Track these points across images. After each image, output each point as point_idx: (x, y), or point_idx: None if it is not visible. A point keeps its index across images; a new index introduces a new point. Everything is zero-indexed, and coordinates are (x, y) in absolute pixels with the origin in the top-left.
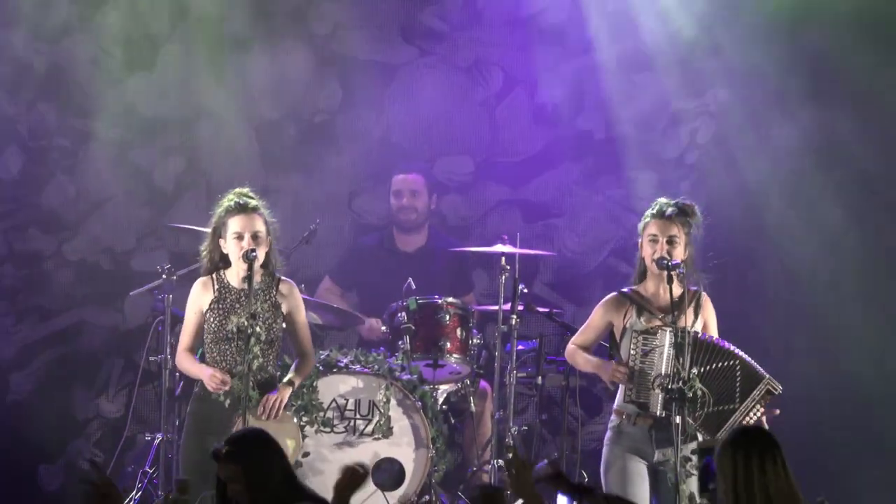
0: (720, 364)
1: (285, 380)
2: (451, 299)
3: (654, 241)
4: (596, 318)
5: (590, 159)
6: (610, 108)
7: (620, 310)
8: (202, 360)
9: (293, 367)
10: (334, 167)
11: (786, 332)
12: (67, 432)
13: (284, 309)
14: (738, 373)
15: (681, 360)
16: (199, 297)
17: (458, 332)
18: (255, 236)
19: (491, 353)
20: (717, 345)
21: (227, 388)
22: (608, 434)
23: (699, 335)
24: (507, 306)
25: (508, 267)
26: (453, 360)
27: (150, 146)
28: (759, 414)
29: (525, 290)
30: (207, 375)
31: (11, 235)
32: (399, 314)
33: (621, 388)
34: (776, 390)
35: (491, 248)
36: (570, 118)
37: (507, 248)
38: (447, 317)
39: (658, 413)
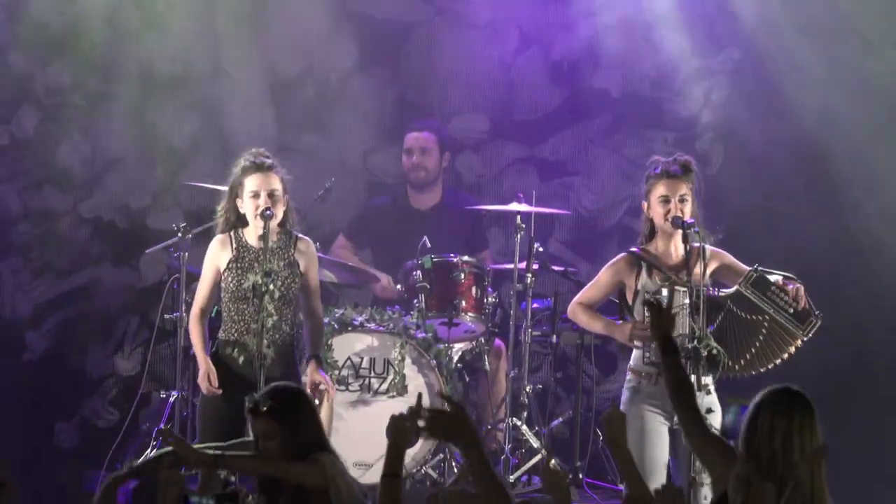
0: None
1: (309, 356)
2: (466, 258)
3: (666, 201)
4: (605, 278)
5: (605, 118)
6: (626, 66)
7: (632, 270)
8: (218, 318)
9: (307, 337)
10: (349, 126)
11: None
12: (83, 390)
13: (302, 266)
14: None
15: (695, 319)
16: (217, 255)
17: (473, 290)
18: (271, 194)
19: (506, 312)
20: (717, 296)
21: (219, 392)
22: (625, 394)
23: (711, 291)
24: (523, 265)
25: (524, 225)
26: (468, 318)
27: (165, 105)
28: (792, 303)
29: (540, 249)
30: (202, 373)
31: (27, 194)
32: (414, 273)
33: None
34: (756, 273)
35: (506, 206)
36: (585, 77)
37: (523, 207)
38: (462, 275)
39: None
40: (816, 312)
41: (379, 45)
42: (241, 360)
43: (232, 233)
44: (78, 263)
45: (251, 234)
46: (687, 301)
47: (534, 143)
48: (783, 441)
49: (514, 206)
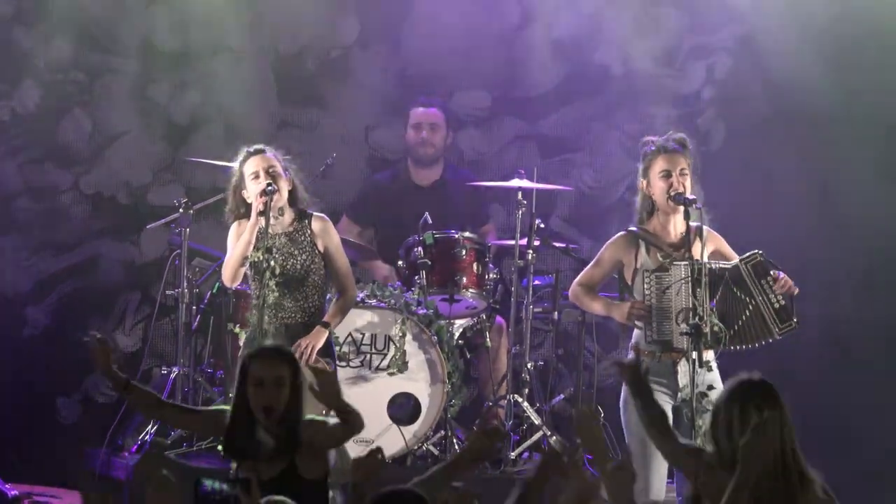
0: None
1: (323, 321)
2: (467, 234)
3: (667, 175)
4: (604, 258)
5: (607, 94)
6: (627, 43)
7: (630, 249)
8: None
9: (331, 306)
10: (351, 101)
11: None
12: (84, 366)
13: (321, 246)
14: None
15: (697, 293)
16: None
17: (475, 266)
18: (269, 171)
19: (507, 288)
20: (717, 267)
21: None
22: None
23: (712, 266)
24: (524, 241)
25: (525, 202)
26: (469, 294)
27: (166, 80)
28: (779, 298)
29: (542, 225)
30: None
31: (27, 169)
32: (415, 249)
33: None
34: (759, 257)
35: (508, 182)
36: (587, 53)
37: (524, 183)
38: (463, 251)
39: (685, 347)
40: (795, 319)
41: (380, 21)
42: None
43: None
44: (79, 239)
45: (263, 220)
46: (686, 275)
47: (535, 120)
48: (741, 430)
49: (515, 183)
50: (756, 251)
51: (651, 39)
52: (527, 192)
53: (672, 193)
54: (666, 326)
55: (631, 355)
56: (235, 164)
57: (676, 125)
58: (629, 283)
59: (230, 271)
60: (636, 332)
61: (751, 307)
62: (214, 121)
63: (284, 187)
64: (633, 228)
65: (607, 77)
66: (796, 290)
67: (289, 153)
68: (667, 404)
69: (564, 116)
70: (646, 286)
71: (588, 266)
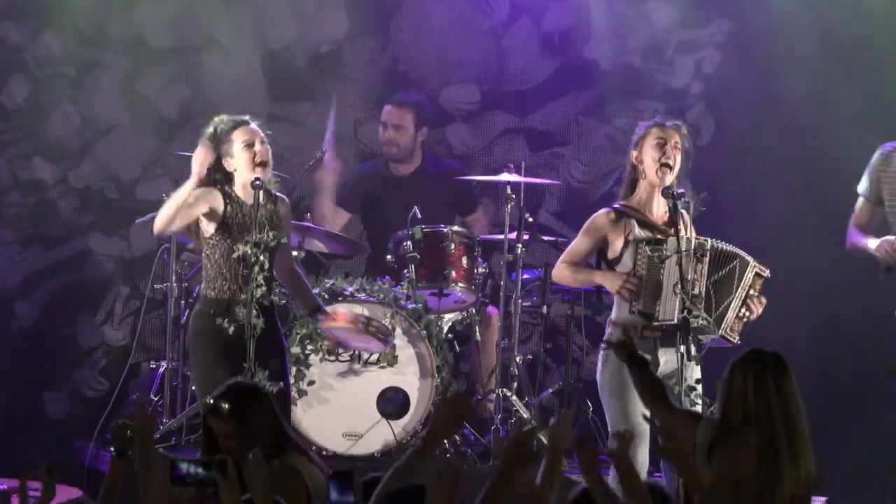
0: (728, 267)
1: (313, 309)
2: (456, 228)
3: (662, 144)
4: (590, 235)
5: (596, 89)
6: (617, 37)
7: (618, 224)
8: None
9: (301, 293)
10: (340, 96)
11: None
12: (72, 360)
13: (285, 229)
14: (737, 270)
15: (698, 269)
16: (211, 199)
17: (464, 260)
18: (262, 141)
19: (496, 282)
20: (725, 248)
21: None
22: (604, 348)
23: (723, 247)
24: (513, 235)
25: (514, 196)
26: (458, 288)
27: (155, 75)
28: (755, 305)
29: (531, 219)
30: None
31: (16, 164)
32: (404, 243)
33: (619, 302)
34: (764, 273)
35: (497, 177)
36: (576, 47)
37: (513, 177)
38: (452, 245)
39: (675, 320)
40: (737, 341)
41: (370, 15)
42: (230, 330)
43: (219, 188)
44: (68, 234)
45: (240, 189)
46: (679, 248)
47: (524, 114)
48: (755, 398)
49: (504, 177)
50: (768, 271)
51: (640, 34)
52: (515, 186)
53: (664, 161)
54: (654, 299)
55: (612, 332)
56: (222, 123)
57: (665, 120)
58: (616, 257)
59: (165, 225)
60: (616, 306)
61: (733, 301)
62: (204, 115)
63: (268, 174)
64: (618, 206)
65: (596, 71)
66: (754, 316)
67: (278, 147)
68: None
69: (553, 110)
70: (638, 257)
71: (572, 244)
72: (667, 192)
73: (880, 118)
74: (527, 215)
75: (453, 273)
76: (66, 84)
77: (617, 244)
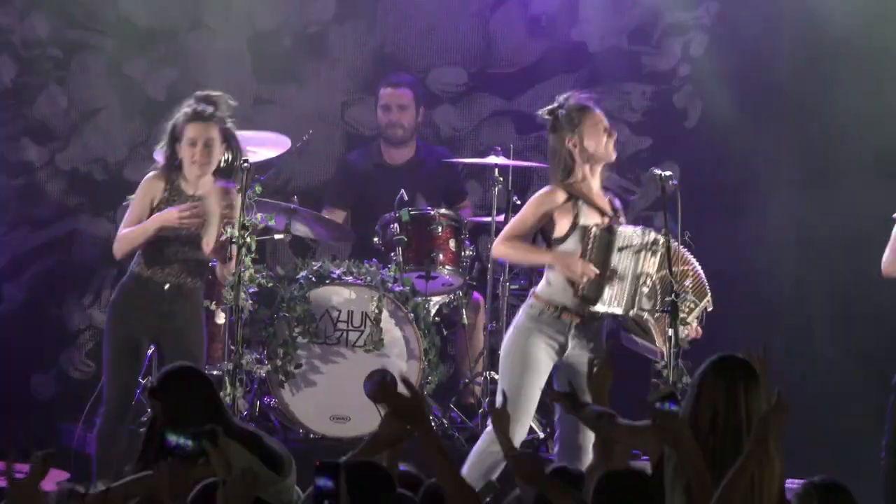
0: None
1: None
2: (443, 211)
3: (609, 132)
4: (537, 212)
5: (583, 71)
6: (604, 19)
7: (566, 204)
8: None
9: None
10: (327, 78)
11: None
12: (60, 342)
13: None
14: (689, 281)
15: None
16: (152, 189)
17: (451, 243)
18: (206, 143)
19: (483, 265)
20: (680, 251)
21: (199, 220)
22: (522, 319)
23: (670, 238)
24: (500, 218)
25: (501, 178)
26: (446, 271)
27: (142, 57)
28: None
29: (518, 202)
30: (175, 213)
31: (3, 145)
32: (391, 226)
33: (555, 279)
34: (707, 306)
35: (484, 159)
36: (564, 30)
37: (500, 160)
38: (439, 228)
39: (605, 310)
40: (660, 361)
41: None
42: (166, 287)
43: (166, 174)
44: (55, 215)
45: (184, 180)
46: (636, 239)
47: (511, 97)
48: (725, 406)
49: (491, 160)
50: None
51: (627, 16)
52: (503, 169)
53: (614, 148)
54: (598, 286)
55: (534, 304)
56: (181, 111)
57: (652, 102)
58: (560, 237)
59: (127, 248)
60: (547, 280)
61: (677, 298)
62: (190, 97)
63: (214, 161)
64: (567, 183)
65: (584, 54)
66: (690, 333)
67: (266, 130)
68: (549, 360)
69: (541, 93)
70: (590, 242)
71: (515, 219)
72: (653, 173)
73: (870, 99)
74: (514, 198)
75: (440, 256)
76: (53, 65)
77: (563, 224)
